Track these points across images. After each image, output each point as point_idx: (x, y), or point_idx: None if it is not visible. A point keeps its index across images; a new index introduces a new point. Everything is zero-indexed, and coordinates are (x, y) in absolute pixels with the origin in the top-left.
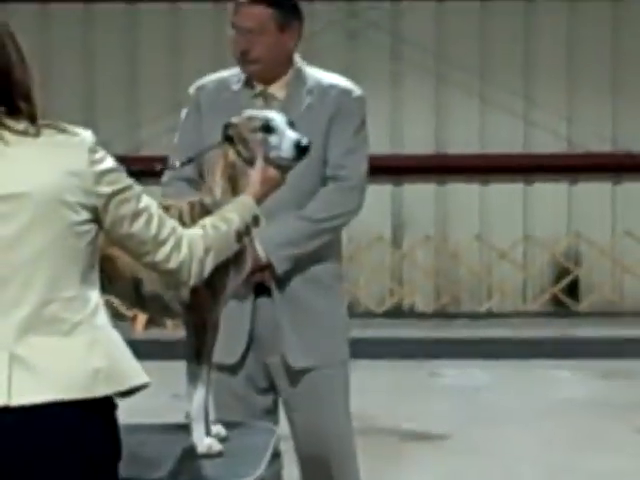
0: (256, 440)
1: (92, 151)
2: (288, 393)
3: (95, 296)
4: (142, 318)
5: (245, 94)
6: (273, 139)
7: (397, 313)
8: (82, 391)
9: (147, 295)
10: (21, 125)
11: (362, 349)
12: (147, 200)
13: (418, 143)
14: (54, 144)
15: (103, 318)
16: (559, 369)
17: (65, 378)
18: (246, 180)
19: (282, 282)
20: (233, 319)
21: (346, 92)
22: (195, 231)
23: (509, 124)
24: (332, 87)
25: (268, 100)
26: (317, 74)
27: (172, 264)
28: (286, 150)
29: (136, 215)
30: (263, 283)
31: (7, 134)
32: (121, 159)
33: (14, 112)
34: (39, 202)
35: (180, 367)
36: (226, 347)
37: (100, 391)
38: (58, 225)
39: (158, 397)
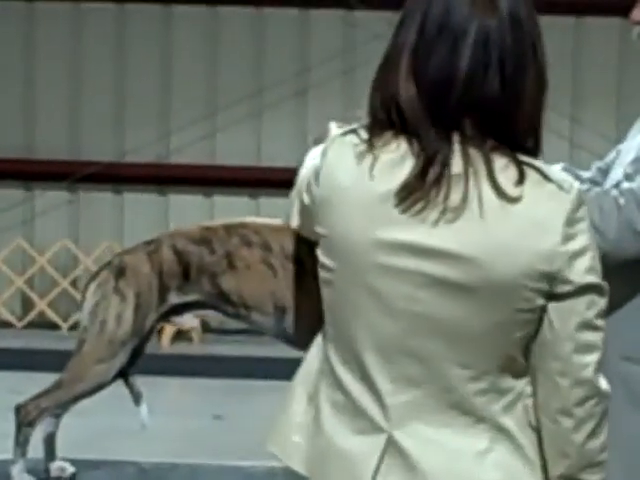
0: None
1: (570, 222)
2: None
3: (517, 389)
4: (169, 332)
5: None
6: None
7: None
8: None
9: None
10: (502, 161)
11: None
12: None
13: None
14: (533, 201)
15: (516, 416)
16: None
17: None
18: None
19: None
20: None
21: None
22: None
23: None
24: None
25: None
26: None
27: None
28: None
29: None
30: None
31: (486, 182)
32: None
33: (513, 143)
34: (489, 279)
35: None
36: None
37: None
38: (499, 312)
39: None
